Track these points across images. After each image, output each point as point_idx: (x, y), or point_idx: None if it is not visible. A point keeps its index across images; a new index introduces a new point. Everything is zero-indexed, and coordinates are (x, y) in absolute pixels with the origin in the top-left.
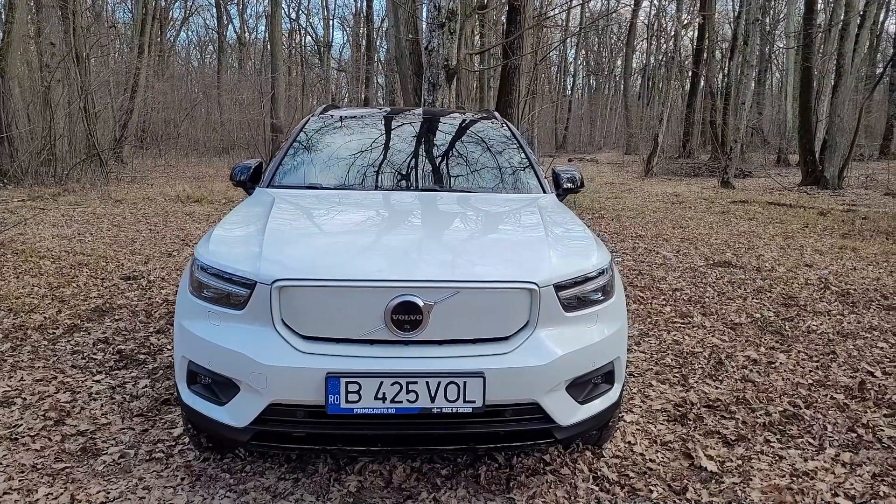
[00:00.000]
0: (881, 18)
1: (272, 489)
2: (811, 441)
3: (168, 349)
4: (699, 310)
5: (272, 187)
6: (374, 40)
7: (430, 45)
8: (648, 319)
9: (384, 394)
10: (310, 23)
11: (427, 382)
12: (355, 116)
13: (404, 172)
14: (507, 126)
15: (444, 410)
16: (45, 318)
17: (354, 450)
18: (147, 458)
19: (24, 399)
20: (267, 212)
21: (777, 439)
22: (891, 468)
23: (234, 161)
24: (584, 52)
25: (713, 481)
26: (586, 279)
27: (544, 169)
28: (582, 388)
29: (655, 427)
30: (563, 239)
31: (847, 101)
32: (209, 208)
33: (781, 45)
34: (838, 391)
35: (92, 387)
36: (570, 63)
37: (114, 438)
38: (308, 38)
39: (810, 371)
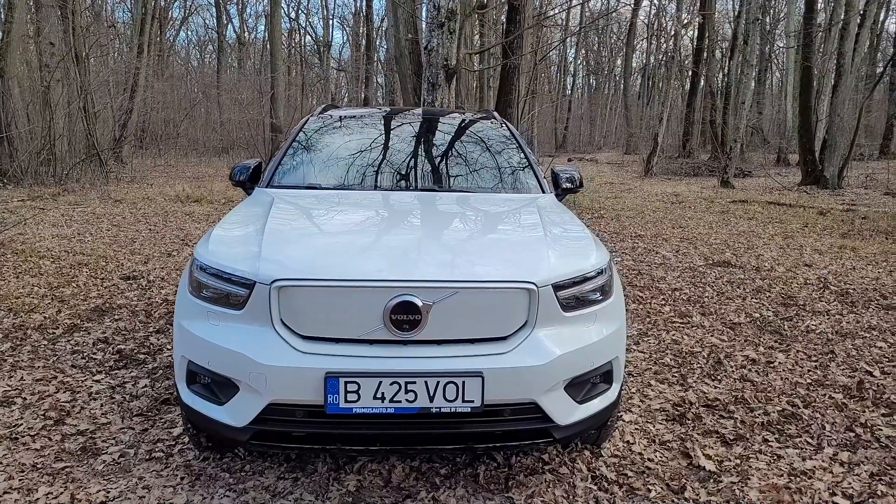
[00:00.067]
0: (881, 18)
1: (272, 488)
2: (809, 440)
3: (167, 349)
4: (698, 309)
5: (271, 187)
6: (374, 40)
7: (430, 44)
8: (647, 319)
9: (383, 393)
10: (309, 22)
11: (426, 382)
12: (355, 116)
13: (403, 172)
14: (507, 126)
15: (442, 410)
16: (44, 317)
17: (353, 449)
18: (147, 457)
19: (24, 399)
20: (266, 212)
21: (775, 439)
22: (889, 467)
23: (233, 161)
24: (583, 51)
25: (711, 480)
26: (585, 279)
27: (543, 169)
28: (580, 387)
29: (654, 426)
30: (561, 239)
31: (847, 101)
32: (209, 208)
33: (781, 45)
34: (837, 391)
35: (92, 386)
36: (570, 63)
37: (114, 438)
38: (308, 37)
39: (809, 371)
